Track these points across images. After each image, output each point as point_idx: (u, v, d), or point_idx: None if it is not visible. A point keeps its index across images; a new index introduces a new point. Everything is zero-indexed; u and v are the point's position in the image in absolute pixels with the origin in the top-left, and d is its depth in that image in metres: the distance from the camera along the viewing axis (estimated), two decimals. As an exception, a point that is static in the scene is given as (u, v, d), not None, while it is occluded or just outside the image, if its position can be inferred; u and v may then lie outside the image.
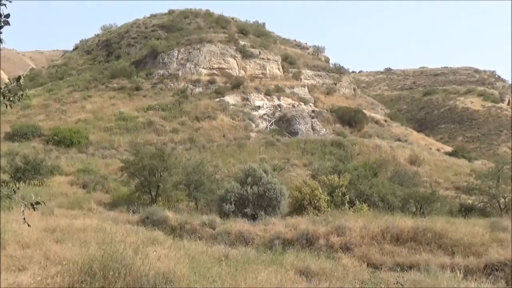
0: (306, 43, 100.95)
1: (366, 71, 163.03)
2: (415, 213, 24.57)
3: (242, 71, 69.72)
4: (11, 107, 4.32)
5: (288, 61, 78.31)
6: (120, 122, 52.74)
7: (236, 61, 70.15)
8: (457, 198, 33.37)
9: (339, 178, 26.64)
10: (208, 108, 58.21)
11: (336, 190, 25.58)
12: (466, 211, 27.42)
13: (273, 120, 60.61)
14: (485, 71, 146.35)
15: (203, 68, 67.64)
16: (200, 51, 68.30)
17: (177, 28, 77.13)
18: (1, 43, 4.01)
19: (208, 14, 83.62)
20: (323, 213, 22.43)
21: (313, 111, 65.24)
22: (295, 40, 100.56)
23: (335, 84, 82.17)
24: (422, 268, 13.37)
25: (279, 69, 73.77)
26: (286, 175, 35.45)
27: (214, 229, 18.85)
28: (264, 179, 23.33)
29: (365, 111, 71.80)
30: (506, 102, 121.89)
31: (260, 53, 72.47)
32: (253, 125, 57.32)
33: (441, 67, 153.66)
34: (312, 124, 60.48)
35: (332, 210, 23.15)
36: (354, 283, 10.40)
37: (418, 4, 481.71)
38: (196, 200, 27.41)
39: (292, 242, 16.99)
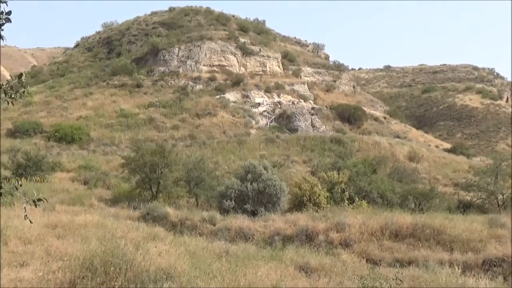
0: (306, 41, 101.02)
1: (366, 69, 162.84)
2: (414, 209, 24.58)
3: (242, 68, 69.67)
4: (13, 104, 4.32)
5: (288, 58, 78.26)
6: (121, 119, 52.74)
7: (236, 58, 70.09)
8: (456, 195, 33.38)
9: (338, 174, 26.64)
10: (208, 105, 58.18)
11: (336, 187, 25.58)
12: (465, 207, 27.46)
13: (273, 117, 60.60)
14: (484, 69, 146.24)
15: (204, 65, 67.58)
16: (200, 49, 68.23)
17: (178, 25, 77.03)
18: (2, 40, 4.00)
19: (208, 12, 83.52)
20: (323, 209, 22.43)
21: (312, 108, 65.22)
22: (295, 38, 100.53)
23: (335, 81, 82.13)
24: (420, 264, 13.39)
25: (279, 66, 73.70)
26: (286, 172, 35.48)
27: (214, 225, 18.87)
28: (264, 176, 23.35)
29: (364, 108, 71.79)
30: (505, 99, 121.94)
31: (260, 50, 72.39)
32: (253, 122, 57.31)
33: (440, 65, 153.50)
34: (311, 121, 60.45)
35: (332, 207, 23.16)
36: (353, 279, 10.41)
37: (418, 3, 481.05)
38: (196, 197, 27.43)
39: (292, 238, 17.01)
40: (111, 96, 59.70)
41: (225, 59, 69.24)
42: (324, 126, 60.86)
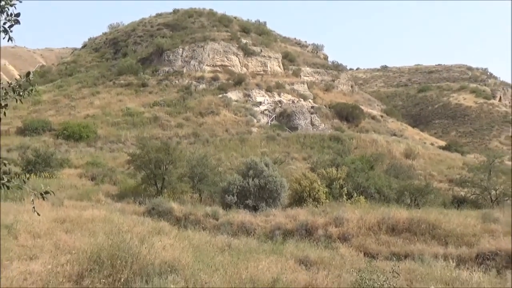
0: (305, 41, 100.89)
1: (363, 69, 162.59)
2: (410, 204, 24.56)
3: (244, 68, 69.61)
4: (21, 102, 4.32)
5: (288, 58, 78.20)
6: (127, 117, 52.76)
7: (238, 58, 70.04)
8: (450, 190, 33.37)
9: (337, 171, 26.63)
10: (211, 104, 58.16)
11: (334, 183, 25.58)
12: (459, 202, 27.44)
13: (273, 116, 60.56)
14: (477, 69, 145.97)
15: (207, 65, 67.54)
16: (203, 49, 68.18)
17: (182, 26, 76.98)
18: (12, 41, 4.00)
19: (211, 14, 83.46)
20: (322, 204, 22.43)
21: (312, 107, 65.17)
22: (295, 39, 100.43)
23: (333, 81, 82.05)
24: (416, 257, 13.38)
25: (279, 67, 73.64)
26: (286, 168, 35.46)
27: (217, 219, 18.87)
28: (265, 172, 23.35)
29: (362, 107, 71.74)
30: (498, 98, 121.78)
31: (261, 51, 72.33)
32: (255, 120, 57.29)
33: (435, 65, 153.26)
34: (311, 119, 60.43)
35: (330, 202, 23.15)
36: (351, 272, 10.40)
37: (415, 4, 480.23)
38: (200, 192, 27.45)
39: (292, 233, 17.00)
40: (118, 95, 59.71)
41: (228, 60, 69.18)
42: (323, 125, 60.82)
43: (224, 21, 79.92)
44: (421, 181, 32.98)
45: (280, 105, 63.15)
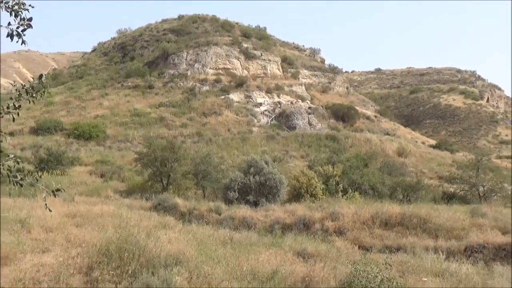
0: (303, 46, 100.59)
1: (358, 71, 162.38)
2: (402, 200, 24.54)
3: (245, 71, 69.54)
4: (34, 103, 4.32)
5: (287, 62, 78.06)
6: (135, 117, 52.72)
7: (240, 62, 69.96)
8: (440, 187, 33.37)
9: (333, 168, 26.62)
10: (214, 105, 58.12)
11: (331, 179, 25.57)
12: (449, 198, 27.44)
13: (273, 116, 60.51)
14: (466, 71, 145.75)
15: (210, 68, 67.47)
16: (207, 53, 68.10)
17: (186, 31, 76.91)
18: (25, 44, 3.99)
19: (214, 19, 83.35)
20: (319, 200, 22.43)
21: (309, 107, 65.09)
22: (293, 43, 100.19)
23: (330, 83, 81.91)
24: (408, 250, 13.39)
25: (278, 69, 73.54)
26: (285, 166, 35.46)
27: (219, 214, 18.87)
28: (265, 169, 23.35)
29: (357, 108, 71.63)
30: (485, 99, 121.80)
31: (261, 54, 72.24)
32: (255, 121, 57.25)
33: (426, 68, 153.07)
34: (309, 119, 60.37)
35: (327, 198, 23.15)
36: (346, 264, 10.40)
37: (408, 10, 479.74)
38: (203, 188, 27.44)
39: (291, 227, 17.00)
40: (125, 97, 59.67)
41: (230, 63, 69.10)
42: (320, 124, 60.76)
43: (226, 27, 79.83)
44: (413, 178, 32.96)
45: (279, 106, 63.09)
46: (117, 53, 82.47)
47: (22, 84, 4.22)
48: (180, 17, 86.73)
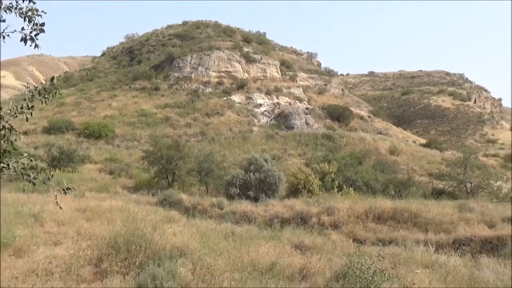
0: (301, 50, 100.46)
1: (353, 74, 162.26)
2: (394, 196, 24.52)
3: (246, 74, 69.47)
4: (47, 104, 4.31)
5: (285, 65, 77.96)
6: (142, 117, 52.69)
7: (241, 65, 69.89)
8: (430, 183, 33.32)
9: (329, 166, 26.63)
10: (217, 106, 58.08)
11: (327, 176, 25.58)
12: (438, 194, 27.42)
13: (272, 116, 60.46)
14: (454, 74, 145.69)
15: (213, 71, 67.39)
16: (210, 57, 68.04)
17: (190, 37, 76.82)
18: (38, 48, 3.99)
19: (216, 25, 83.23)
20: (315, 196, 22.43)
21: (307, 108, 65.04)
22: (291, 47, 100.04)
23: (326, 85, 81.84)
24: (400, 243, 13.39)
25: (277, 72, 73.46)
26: (283, 163, 35.44)
27: (222, 209, 18.86)
28: (264, 167, 23.34)
29: (351, 108, 71.57)
30: (473, 100, 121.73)
31: (261, 58, 72.14)
32: (255, 121, 57.21)
33: (417, 71, 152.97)
34: (306, 119, 60.32)
35: (323, 194, 23.15)
36: (341, 256, 10.40)
37: (400, 15, 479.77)
38: (206, 185, 27.45)
39: (289, 221, 17.00)
40: (133, 98, 59.61)
41: (231, 66, 69.03)
42: (317, 124, 60.71)
43: (228, 32, 79.72)
44: (404, 175, 32.98)
45: (278, 106, 63.04)
46: (125, 57, 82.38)
47: (35, 86, 4.22)
48: (185, 23, 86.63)
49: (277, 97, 65.62)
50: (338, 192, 23.97)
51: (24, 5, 3.86)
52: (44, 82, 4.32)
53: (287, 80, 73.73)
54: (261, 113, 60.29)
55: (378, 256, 8.62)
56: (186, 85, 63.98)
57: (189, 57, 68.13)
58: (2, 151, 3.93)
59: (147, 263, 8.68)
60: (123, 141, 45.63)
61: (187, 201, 19.93)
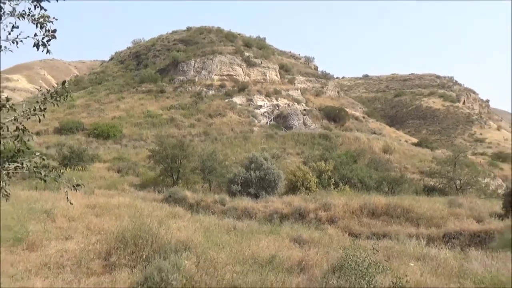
0: (299, 54, 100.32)
1: (348, 77, 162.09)
2: (387, 192, 24.53)
3: (247, 77, 69.42)
4: (58, 106, 4.33)
5: (284, 69, 77.88)
6: (148, 118, 52.69)
7: (242, 69, 69.84)
8: (422, 180, 33.34)
9: (325, 164, 26.62)
10: (219, 107, 58.07)
11: (323, 174, 25.57)
12: (429, 191, 27.43)
13: (272, 117, 60.44)
14: (444, 77, 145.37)
15: (215, 74, 67.36)
16: (212, 61, 68.00)
17: (194, 42, 76.78)
18: (49, 53, 4.00)
19: (219, 31, 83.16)
20: (313, 192, 22.41)
21: (304, 109, 65.01)
22: (290, 52, 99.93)
23: (323, 87, 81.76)
24: (393, 237, 13.39)
25: (276, 76, 73.41)
26: (282, 162, 35.44)
27: (224, 205, 18.87)
28: (264, 165, 23.34)
29: (347, 110, 71.50)
30: (462, 102, 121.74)
31: (261, 62, 72.09)
32: (256, 121, 57.19)
33: (409, 74, 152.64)
34: (304, 120, 60.29)
35: (320, 190, 23.13)
36: (337, 249, 10.40)
37: (394, 20, 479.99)
38: (209, 182, 27.46)
39: (288, 216, 17.00)
40: (140, 100, 59.61)
41: (233, 70, 68.99)
42: (314, 125, 60.68)
43: (229, 37, 79.64)
44: (397, 172, 32.97)
45: (277, 108, 63.01)
46: (132, 61, 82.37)
47: (47, 89, 4.23)
48: (189, 29, 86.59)
49: (276, 99, 65.60)
50: (334, 189, 23.96)
51: (36, 12, 3.87)
52: (56, 85, 4.33)
53: (286, 83, 73.67)
54: (261, 114, 60.26)
55: (373, 249, 8.62)
56: (190, 88, 63.96)
57: (193, 61, 68.10)
58: (16, 151, 3.94)
59: (153, 257, 8.68)
60: (130, 141, 45.63)
61: (191, 198, 19.94)
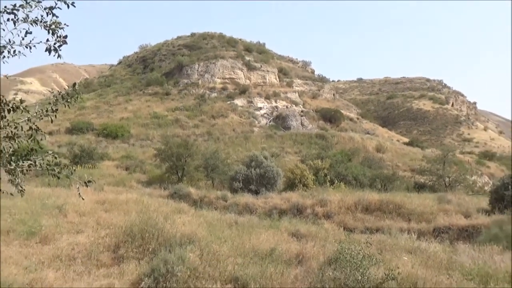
0: (296, 58, 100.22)
1: (343, 80, 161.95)
2: (380, 189, 24.51)
3: (247, 80, 69.39)
4: (69, 107, 4.33)
5: (282, 72, 77.82)
6: (154, 119, 52.68)
7: (243, 72, 69.81)
8: (413, 178, 33.33)
9: (322, 162, 26.63)
10: (221, 109, 58.06)
11: (320, 172, 25.57)
12: (419, 187, 27.43)
13: (271, 118, 60.42)
14: (434, 80, 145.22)
15: (218, 78, 67.33)
16: (215, 65, 67.98)
17: (198, 47, 76.76)
18: (61, 58, 3.99)
19: (221, 36, 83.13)
20: (310, 189, 22.42)
21: (302, 111, 65.00)
22: (288, 56, 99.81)
23: (319, 90, 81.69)
24: (385, 231, 13.38)
25: (276, 79, 73.37)
26: (281, 160, 35.44)
27: (226, 201, 18.88)
28: (264, 163, 23.35)
29: (342, 111, 71.47)
30: (451, 104, 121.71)
31: (261, 66, 72.05)
32: (256, 122, 57.18)
33: (400, 77, 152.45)
34: (301, 121, 60.28)
35: (317, 187, 23.14)
36: (333, 243, 10.40)
37: (388, 24, 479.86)
38: (212, 179, 27.46)
39: (286, 212, 17.01)
40: (146, 102, 59.61)
41: (234, 73, 68.94)
42: (311, 125, 60.66)
43: (231, 43, 79.60)
44: (389, 170, 32.94)
45: (276, 109, 62.99)
46: (139, 65, 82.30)
47: (58, 91, 4.23)
48: (192, 35, 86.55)
49: (276, 101, 65.58)
50: (330, 186, 23.96)
51: (48, 19, 3.86)
52: (67, 88, 4.33)
53: (284, 86, 73.62)
54: (261, 115, 60.26)
55: (366, 243, 8.62)
56: (194, 91, 63.94)
57: (197, 65, 68.08)
58: (29, 149, 3.94)
59: (159, 250, 8.68)
60: (137, 141, 45.63)
61: (195, 194, 19.95)
